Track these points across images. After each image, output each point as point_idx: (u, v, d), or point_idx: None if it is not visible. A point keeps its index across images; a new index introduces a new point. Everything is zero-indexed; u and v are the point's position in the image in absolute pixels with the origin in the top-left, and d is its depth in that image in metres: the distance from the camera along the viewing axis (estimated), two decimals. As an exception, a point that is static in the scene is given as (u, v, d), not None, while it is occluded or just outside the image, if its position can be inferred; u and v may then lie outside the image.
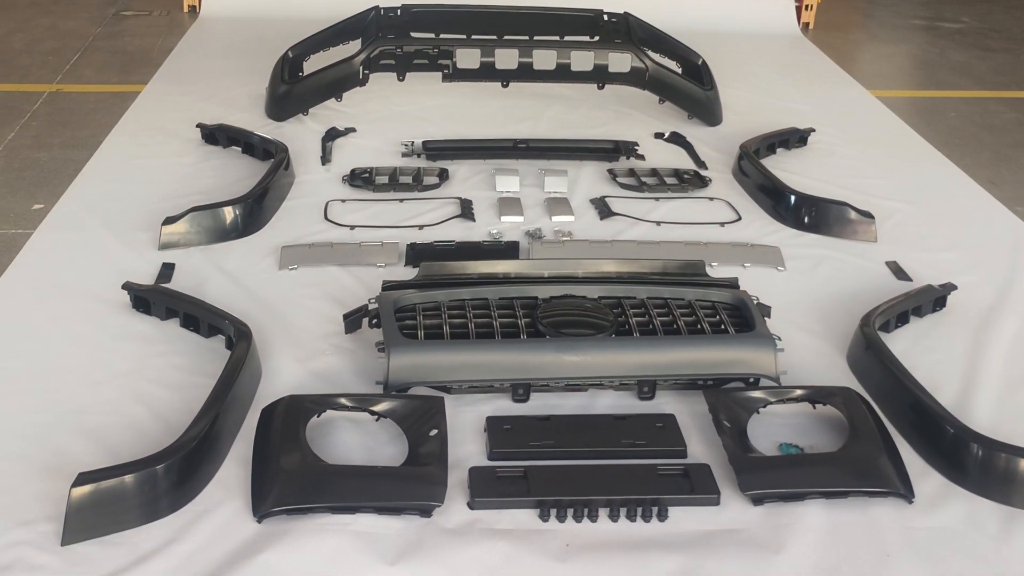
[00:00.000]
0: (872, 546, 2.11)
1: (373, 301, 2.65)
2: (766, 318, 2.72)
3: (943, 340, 2.84)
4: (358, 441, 2.35)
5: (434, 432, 2.30)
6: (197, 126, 3.93)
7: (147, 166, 3.72)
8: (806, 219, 3.43)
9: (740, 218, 3.49)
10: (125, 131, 4.03)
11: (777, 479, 2.22)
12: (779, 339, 2.57)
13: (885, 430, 2.38)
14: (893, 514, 2.19)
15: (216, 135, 3.88)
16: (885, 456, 2.27)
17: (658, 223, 3.42)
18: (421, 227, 3.33)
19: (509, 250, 3.17)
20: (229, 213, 3.21)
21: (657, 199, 3.60)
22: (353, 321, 2.67)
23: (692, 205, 3.58)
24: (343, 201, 3.49)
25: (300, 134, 4.02)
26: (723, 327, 2.62)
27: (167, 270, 3.01)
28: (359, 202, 3.49)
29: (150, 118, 4.16)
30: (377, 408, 2.36)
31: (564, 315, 2.60)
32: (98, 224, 3.27)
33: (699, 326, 2.61)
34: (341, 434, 2.37)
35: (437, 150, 3.90)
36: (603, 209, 3.48)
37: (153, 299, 2.77)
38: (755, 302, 2.74)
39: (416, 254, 3.13)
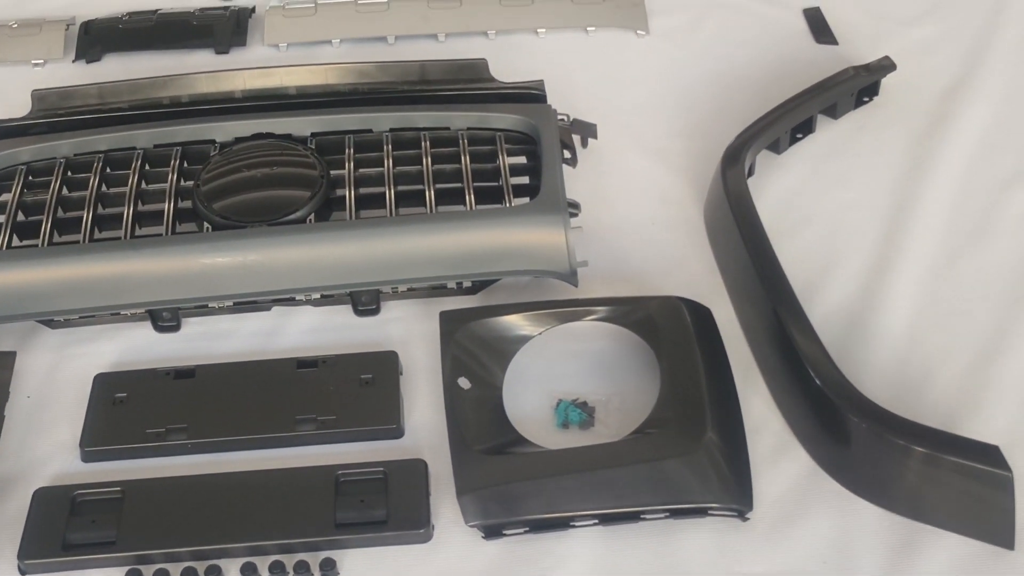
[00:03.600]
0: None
1: (-46, 161, 1.69)
2: (585, 147, 1.74)
3: (865, 160, 1.85)
4: None
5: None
6: None
7: None
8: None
9: (601, -62, 2.36)
10: None
11: (525, 496, 1.35)
12: (575, 208, 1.61)
13: (723, 377, 1.47)
14: (714, 544, 1.33)
15: None
16: (711, 431, 1.37)
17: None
18: (119, -14, 2.25)
19: (235, 23, 2.12)
20: None
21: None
22: (-70, 193, 1.72)
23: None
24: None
25: None
26: (501, 179, 1.65)
27: None
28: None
29: None
30: None
31: (241, 181, 1.63)
32: None
33: (462, 183, 1.64)
34: None
35: None
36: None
37: None
38: (563, 122, 1.74)
39: (92, 39, 2.09)
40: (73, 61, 2.06)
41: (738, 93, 1.97)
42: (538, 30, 2.10)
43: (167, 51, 2.08)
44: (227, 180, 1.62)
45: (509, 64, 1.94)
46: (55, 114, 1.74)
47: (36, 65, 2.05)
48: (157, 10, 2.13)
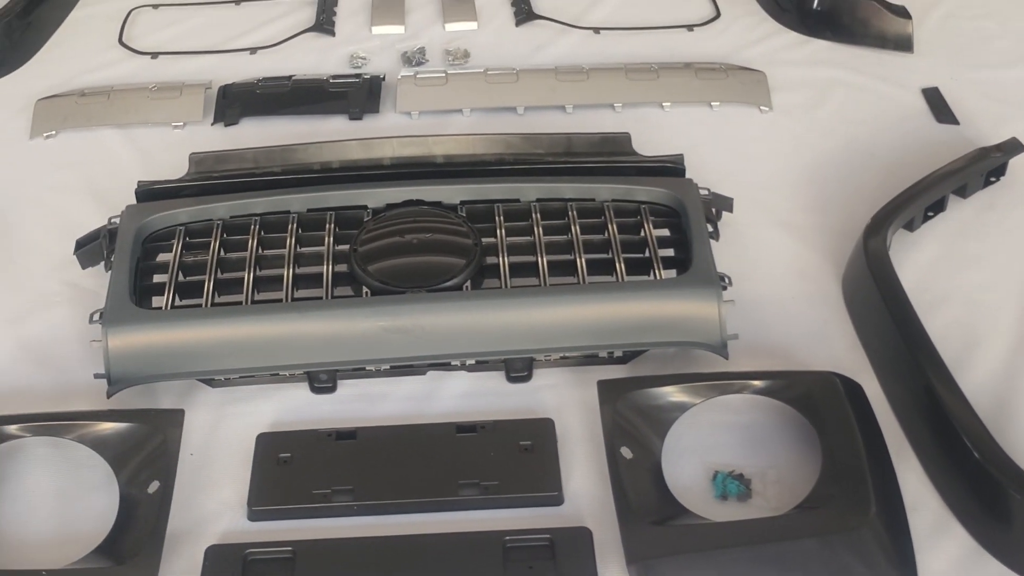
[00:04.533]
0: None
1: (114, 221, 1.74)
2: (719, 220, 1.78)
3: (997, 240, 1.87)
4: (42, 485, 1.51)
5: (155, 486, 1.44)
6: None
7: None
8: (811, 16, 2.36)
9: (719, 15, 2.42)
10: None
11: (695, 567, 1.36)
12: (726, 281, 1.63)
13: (880, 453, 1.48)
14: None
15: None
16: (875, 508, 1.38)
17: (596, 30, 2.37)
18: (254, 51, 2.33)
19: (367, 91, 2.17)
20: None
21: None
22: (90, 252, 1.76)
23: (653, -9, 2.51)
24: (154, 7, 2.46)
25: None
26: (648, 251, 1.68)
27: None
28: (178, 7, 2.47)
29: None
30: (71, 435, 1.50)
31: (396, 246, 1.67)
32: None
33: (610, 253, 1.67)
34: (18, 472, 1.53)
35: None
36: (522, 7, 2.43)
37: None
38: (706, 195, 1.78)
39: (230, 102, 2.15)
40: (212, 124, 2.12)
41: (863, 170, 2.00)
42: (664, 104, 2.14)
43: (302, 116, 2.13)
44: (383, 245, 1.66)
45: (636, 136, 1.98)
46: (211, 176, 1.79)
47: (176, 127, 2.11)
48: (291, 76, 2.19)
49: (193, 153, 1.83)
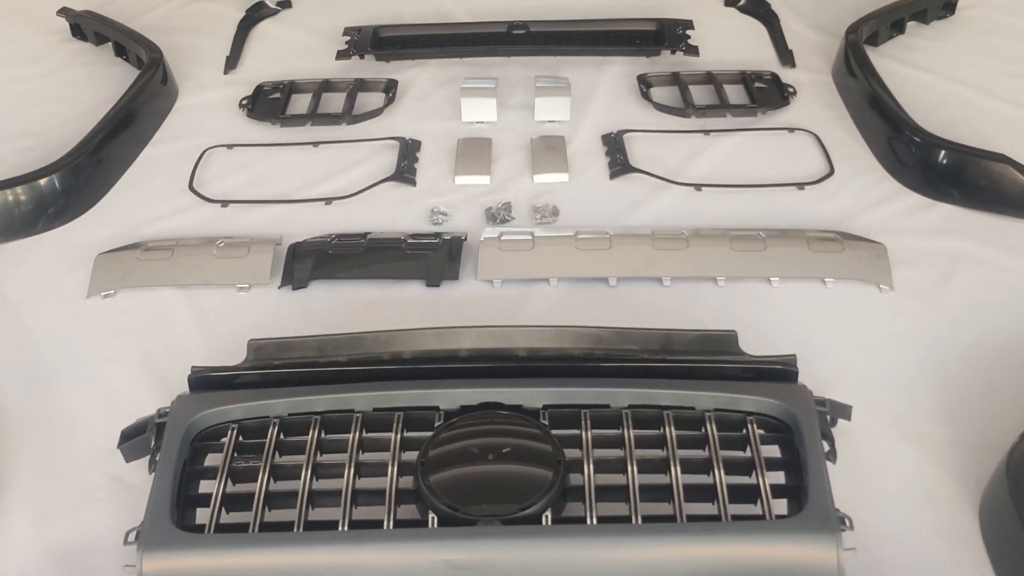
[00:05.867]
0: None
1: (163, 414, 1.58)
2: (833, 426, 1.56)
3: None
4: None
5: None
6: (59, 12, 2.77)
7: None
8: (935, 174, 2.15)
9: (832, 172, 2.22)
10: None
11: None
12: (847, 523, 1.40)
13: None
14: None
15: (84, 28, 2.73)
16: None
17: (698, 187, 2.18)
18: (328, 201, 2.18)
19: (447, 254, 2.01)
20: (25, 195, 2.12)
21: (707, 133, 2.34)
22: (135, 445, 1.61)
23: (761, 143, 2.32)
24: (228, 147, 2.34)
25: (213, 11, 2.84)
26: (755, 474, 1.47)
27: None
28: (252, 148, 2.34)
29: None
30: None
31: (468, 459, 1.48)
32: None
33: (711, 475, 1.46)
34: None
35: (392, 44, 2.67)
36: (617, 158, 2.26)
37: None
38: (820, 404, 1.56)
39: (300, 262, 2.01)
40: (279, 287, 1.97)
41: (1002, 369, 1.77)
42: (771, 279, 1.94)
43: (375, 281, 1.97)
44: (454, 458, 1.48)
45: (741, 316, 1.78)
46: (271, 365, 1.63)
47: (242, 289, 1.96)
48: (367, 234, 2.04)
49: (252, 340, 1.67)
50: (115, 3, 2.89)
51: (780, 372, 1.62)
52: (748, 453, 1.50)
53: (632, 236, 2.02)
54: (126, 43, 2.59)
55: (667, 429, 1.52)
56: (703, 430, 1.53)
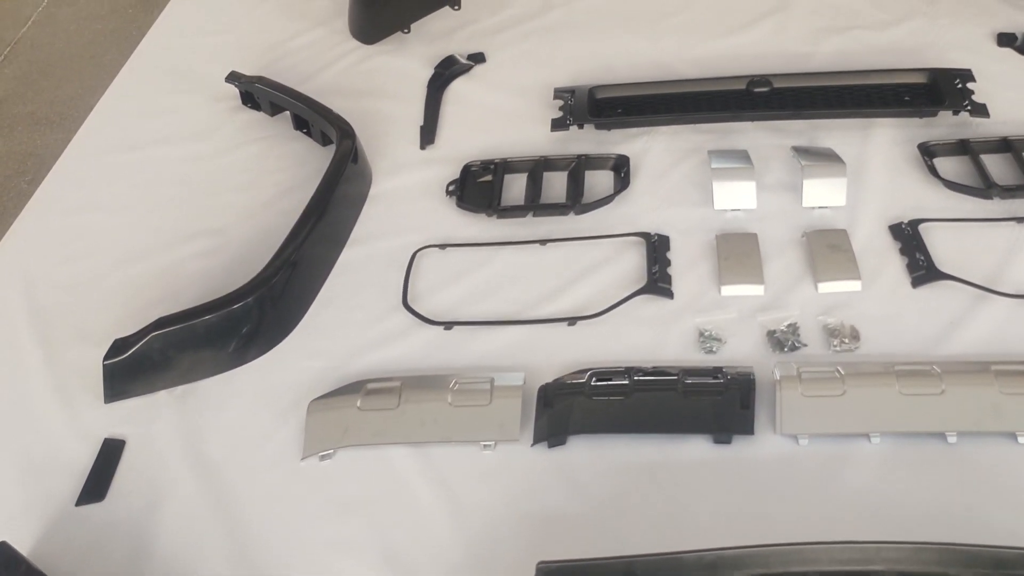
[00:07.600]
0: None
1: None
2: None
3: None
4: None
5: None
6: (228, 79, 2.45)
7: (133, 164, 2.32)
8: None
9: None
10: (122, 89, 2.61)
11: None
12: None
13: None
14: None
15: (257, 96, 2.40)
16: None
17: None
18: (572, 321, 1.81)
19: (737, 400, 1.62)
20: (218, 325, 1.79)
21: (1020, 220, 1.91)
22: None
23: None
24: (441, 247, 1.99)
25: (396, 68, 2.50)
26: None
27: (107, 461, 1.67)
28: (469, 248, 1.99)
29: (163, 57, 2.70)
30: None
31: None
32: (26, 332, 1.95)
33: None
34: None
35: (611, 107, 2.28)
36: (917, 259, 1.84)
37: None
38: None
39: (553, 409, 1.65)
40: (532, 444, 1.61)
41: None
42: None
43: (647, 435, 1.60)
44: None
45: None
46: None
47: (486, 447, 1.61)
48: (632, 370, 1.67)
49: (541, 564, 1.31)
50: (284, 60, 2.56)
51: None
52: None
53: (967, 373, 1.61)
54: (309, 117, 2.25)
55: None
56: None
